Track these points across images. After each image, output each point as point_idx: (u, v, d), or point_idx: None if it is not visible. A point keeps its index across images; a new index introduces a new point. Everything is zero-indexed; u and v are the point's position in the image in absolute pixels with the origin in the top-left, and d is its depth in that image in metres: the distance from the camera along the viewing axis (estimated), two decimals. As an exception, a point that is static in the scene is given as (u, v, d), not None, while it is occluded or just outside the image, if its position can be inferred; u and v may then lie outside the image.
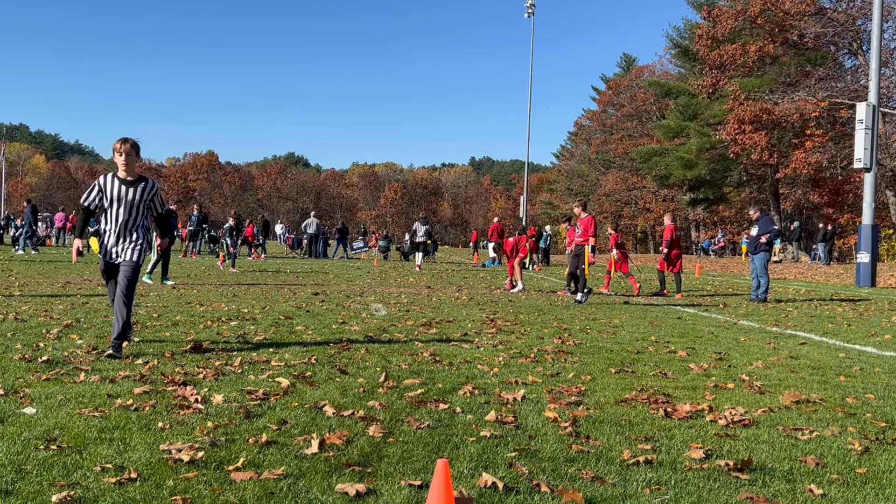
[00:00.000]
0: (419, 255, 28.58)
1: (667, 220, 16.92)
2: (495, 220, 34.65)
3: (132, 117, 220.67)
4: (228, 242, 22.35)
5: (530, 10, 50.59)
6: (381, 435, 4.42)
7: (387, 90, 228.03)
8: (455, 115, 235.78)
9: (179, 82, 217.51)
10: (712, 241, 51.14)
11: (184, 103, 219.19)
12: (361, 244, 38.84)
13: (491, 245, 31.91)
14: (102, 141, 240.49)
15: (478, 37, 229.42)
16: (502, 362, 7.05)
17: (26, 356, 6.52)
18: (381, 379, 5.97)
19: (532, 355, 7.48)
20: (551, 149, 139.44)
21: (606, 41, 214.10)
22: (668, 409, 5.24)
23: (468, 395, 5.57)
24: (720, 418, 5.05)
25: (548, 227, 38.54)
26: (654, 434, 4.67)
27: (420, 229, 29.16)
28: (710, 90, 43.77)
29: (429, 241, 30.24)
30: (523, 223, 41.88)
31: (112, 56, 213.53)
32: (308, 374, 6.18)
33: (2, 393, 5.16)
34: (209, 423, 4.54)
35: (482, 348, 7.92)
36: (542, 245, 33.77)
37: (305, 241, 35.78)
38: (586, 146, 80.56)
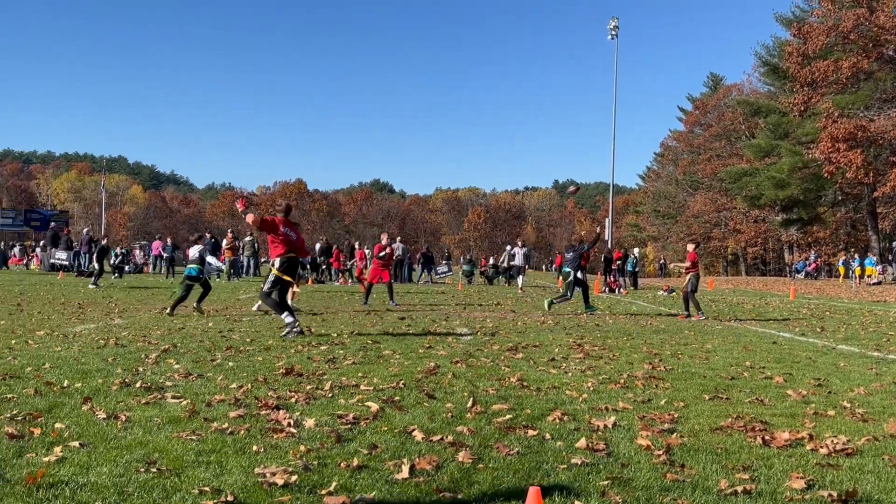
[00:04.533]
0: (521, 279, 29.53)
1: (385, 239, 20.39)
2: (580, 243, 34.32)
3: (224, 148, 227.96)
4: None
5: (613, 33, 50.21)
6: (470, 461, 4.41)
7: (470, 116, 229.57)
8: (538, 138, 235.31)
9: (269, 113, 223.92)
10: (806, 262, 49.46)
11: (273, 133, 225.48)
12: (446, 269, 39.00)
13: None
14: (196, 171, 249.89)
15: (560, 59, 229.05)
16: (591, 388, 6.95)
17: (126, 380, 6.75)
18: (469, 404, 5.96)
19: (622, 381, 7.35)
20: (637, 170, 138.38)
21: (692, 61, 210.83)
22: (766, 438, 5.07)
23: (557, 421, 5.51)
24: (821, 447, 4.85)
25: (636, 250, 37.89)
26: (752, 463, 4.52)
27: (518, 253, 29.51)
28: (802, 108, 42.58)
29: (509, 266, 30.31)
30: (608, 246, 41.37)
31: (205, 89, 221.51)
32: (396, 398, 6.22)
33: (104, 416, 5.35)
34: (302, 447, 4.61)
35: (570, 374, 7.83)
36: (629, 268, 33.23)
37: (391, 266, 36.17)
38: (673, 167, 79.30)
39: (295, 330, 10.56)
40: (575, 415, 5.74)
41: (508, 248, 34.71)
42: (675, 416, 5.79)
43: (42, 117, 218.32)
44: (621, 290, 29.87)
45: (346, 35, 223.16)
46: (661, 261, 64.88)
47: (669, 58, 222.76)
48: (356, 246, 33.07)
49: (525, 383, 7.08)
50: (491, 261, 40.21)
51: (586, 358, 9.11)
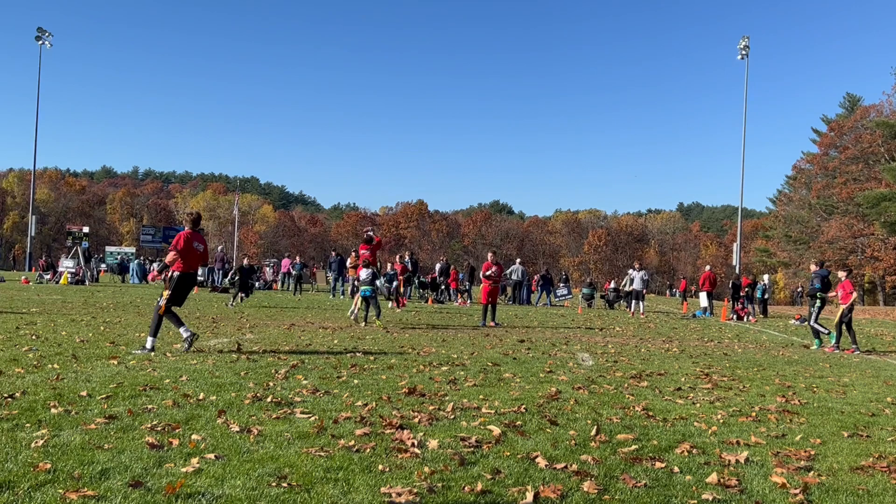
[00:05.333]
0: (641, 305, 28.81)
1: (491, 257, 20.17)
2: (707, 268, 33.32)
3: (349, 170, 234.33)
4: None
5: (744, 52, 48.79)
6: (595, 491, 4.33)
7: (591, 137, 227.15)
8: (662, 159, 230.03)
9: (392, 135, 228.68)
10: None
11: (396, 155, 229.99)
12: (565, 291, 38.58)
13: (703, 294, 30.65)
14: (323, 191, 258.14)
15: (686, 78, 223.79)
16: (721, 420, 6.71)
17: (258, 395, 6.99)
18: (593, 432, 5.86)
19: (753, 414, 7.07)
20: (767, 193, 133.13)
21: (827, 81, 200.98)
22: (914, 482, 4.76)
23: (686, 454, 5.34)
24: (978, 495, 4.51)
25: (766, 277, 36.45)
26: (899, 509, 4.25)
27: (636, 277, 28.88)
28: (949, 129, 40.10)
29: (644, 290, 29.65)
30: (737, 271, 40.01)
31: (332, 113, 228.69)
32: (518, 423, 6.19)
33: (237, 430, 5.55)
34: (426, 468, 4.64)
35: (698, 404, 7.59)
36: (758, 295, 31.99)
37: (510, 288, 36.09)
38: (806, 191, 75.95)
39: (186, 344, 10.40)
40: (704, 448, 5.55)
41: (631, 271, 34.04)
42: (812, 453, 5.52)
43: (181, 139, 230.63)
44: (750, 317, 28.77)
45: (468, 58, 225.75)
46: (799, 289, 62.19)
47: (803, 78, 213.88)
48: (400, 259, 32.81)
49: (650, 413, 6.91)
50: (612, 284, 39.55)
51: (714, 388, 8.81)
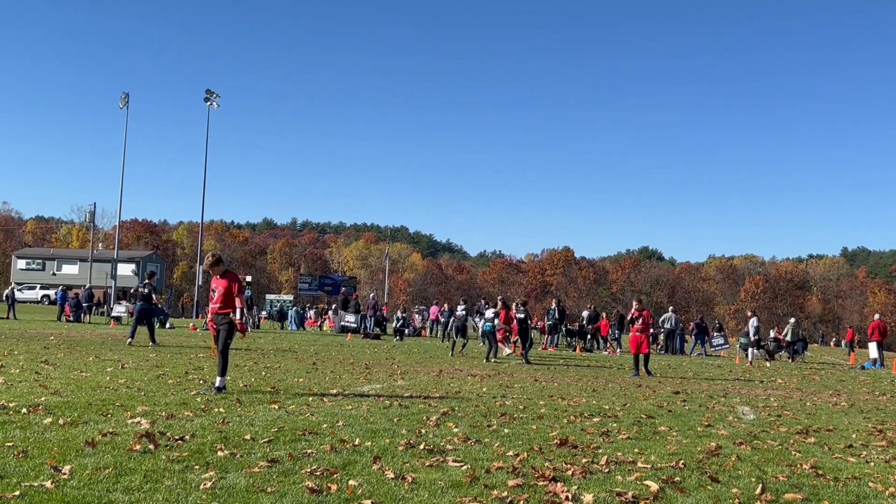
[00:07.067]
0: (750, 352, 28.57)
1: (635, 305, 19.49)
2: (876, 316, 31.25)
3: (494, 219, 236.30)
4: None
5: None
6: (763, 554, 4.10)
7: (745, 179, 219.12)
8: (823, 203, 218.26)
9: (537, 183, 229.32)
10: None
11: (542, 201, 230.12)
12: (722, 341, 37.08)
13: (872, 345, 28.72)
14: (469, 239, 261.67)
15: (848, 118, 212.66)
16: (899, 482, 6.22)
17: (411, 441, 7.08)
18: (758, 491, 5.56)
19: (937, 476, 6.51)
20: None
21: None
22: None
23: (862, 517, 4.98)
24: None
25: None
26: None
27: (751, 324, 28.40)
28: None
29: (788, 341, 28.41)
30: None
31: (479, 164, 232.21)
32: (677, 478, 5.97)
33: (392, 476, 5.63)
34: (581, 523, 4.54)
35: (872, 463, 7.08)
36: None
37: (662, 337, 35.09)
38: None
39: (214, 392, 10.31)
40: (883, 512, 5.16)
41: (792, 320, 32.41)
42: None
43: (336, 192, 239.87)
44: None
45: (610, 100, 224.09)
46: None
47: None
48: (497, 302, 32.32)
49: (820, 471, 6.50)
50: (772, 333, 37.71)
51: (890, 446, 8.19)
